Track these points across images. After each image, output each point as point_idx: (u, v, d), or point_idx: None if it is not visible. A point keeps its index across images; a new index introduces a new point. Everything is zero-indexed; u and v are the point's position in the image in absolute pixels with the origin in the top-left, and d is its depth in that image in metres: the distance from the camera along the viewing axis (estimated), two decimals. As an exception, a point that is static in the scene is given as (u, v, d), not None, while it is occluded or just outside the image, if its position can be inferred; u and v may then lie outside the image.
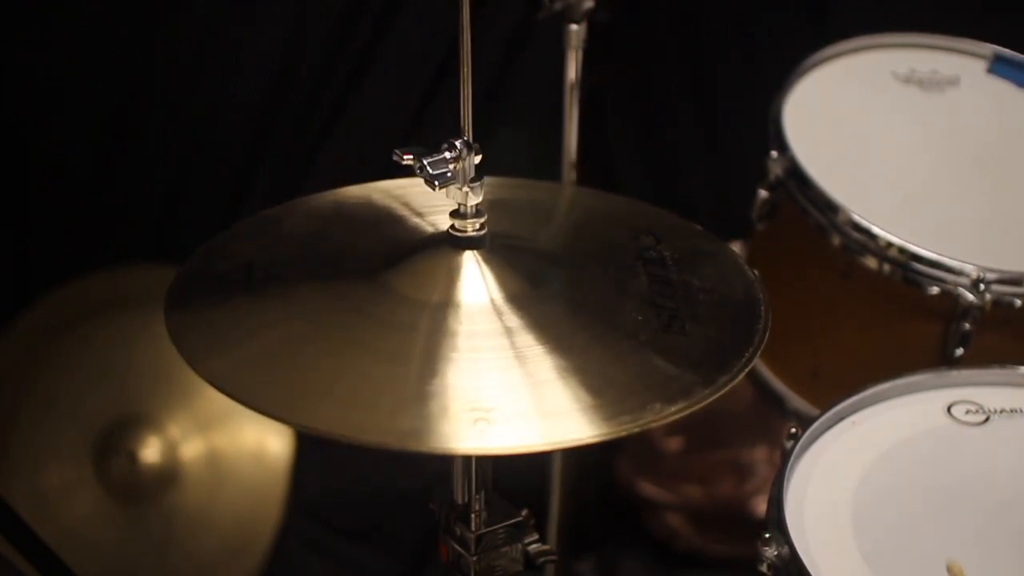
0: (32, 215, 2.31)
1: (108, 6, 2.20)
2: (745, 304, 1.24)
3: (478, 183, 1.20)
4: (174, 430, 2.22)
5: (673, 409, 1.08)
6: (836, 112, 1.87)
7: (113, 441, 2.21)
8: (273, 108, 2.32)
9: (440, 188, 1.18)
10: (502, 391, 1.09)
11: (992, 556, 1.27)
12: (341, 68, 2.32)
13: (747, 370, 1.14)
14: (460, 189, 1.20)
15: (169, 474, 2.21)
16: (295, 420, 1.09)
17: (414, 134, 2.32)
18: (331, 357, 1.13)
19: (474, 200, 1.20)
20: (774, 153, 1.77)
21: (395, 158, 1.18)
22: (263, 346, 1.16)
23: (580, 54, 1.84)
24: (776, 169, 1.77)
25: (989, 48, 1.95)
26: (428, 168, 1.18)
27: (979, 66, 1.95)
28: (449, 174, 1.18)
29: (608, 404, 1.08)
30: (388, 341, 1.14)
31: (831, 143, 1.81)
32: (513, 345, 1.13)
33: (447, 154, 1.18)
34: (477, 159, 1.20)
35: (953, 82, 1.92)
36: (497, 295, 1.18)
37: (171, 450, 2.22)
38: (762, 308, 1.22)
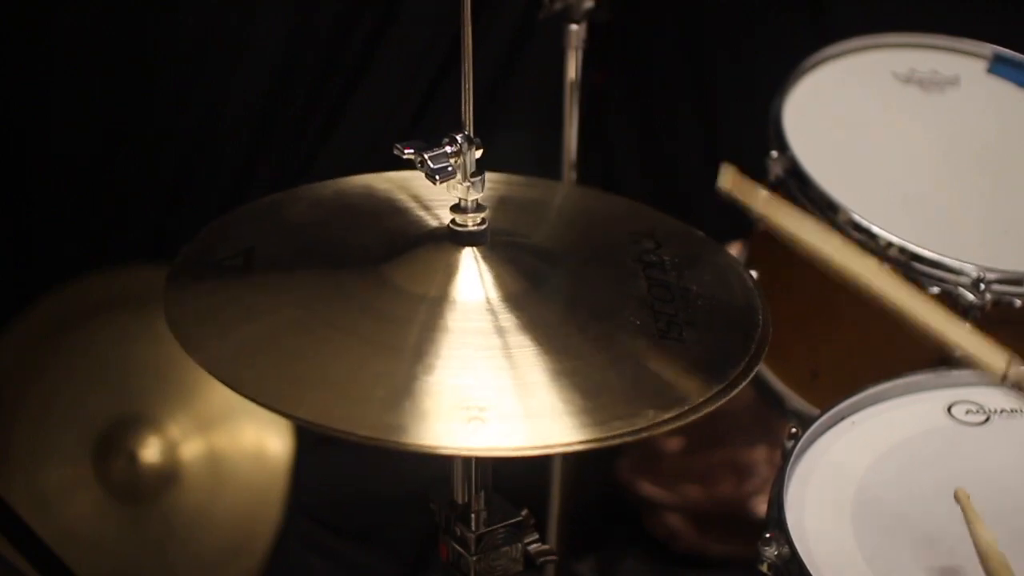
0: (32, 215, 2.31)
1: (108, 5, 2.19)
2: (744, 313, 1.23)
3: (479, 178, 1.20)
4: (174, 430, 2.22)
5: (665, 417, 1.07)
6: (836, 112, 1.87)
7: (113, 441, 2.21)
8: (274, 107, 2.32)
9: (440, 182, 1.18)
10: (491, 391, 1.09)
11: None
12: (341, 68, 2.31)
13: (746, 380, 1.14)
14: (461, 183, 1.19)
15: (169, 474, 2.21)
16: (284, 409, 1.07)
17: (414, 135, 2.32)
18: (324, 347, 1.13)
19: (475, 195, 1.20)
20: (774, 153, 1.77)
21: (396, 152, 1.18)
22: (257, 333, 1.16)
23: (580, 54, 1.84)
24: (776, 169, 1.77)
25: (989, 48, 1.95)
26: (429, 162, 1.18)
27: (979, 66, 1.95)
28: (450, 168, 1.18)
29: (598, 409, 1.07)
30: (382, 334, 1.14)
31: (831, 143, 1.81)
32: (505, 345, 1.13)
33: (448, 148, 1.18)
34: (478, 154, 1.19)
35: (953, 82, 1.92)
36: (493, 294, 1.18)
37: (171, 450, 2.22)
38: (761, 316, 1.22)
